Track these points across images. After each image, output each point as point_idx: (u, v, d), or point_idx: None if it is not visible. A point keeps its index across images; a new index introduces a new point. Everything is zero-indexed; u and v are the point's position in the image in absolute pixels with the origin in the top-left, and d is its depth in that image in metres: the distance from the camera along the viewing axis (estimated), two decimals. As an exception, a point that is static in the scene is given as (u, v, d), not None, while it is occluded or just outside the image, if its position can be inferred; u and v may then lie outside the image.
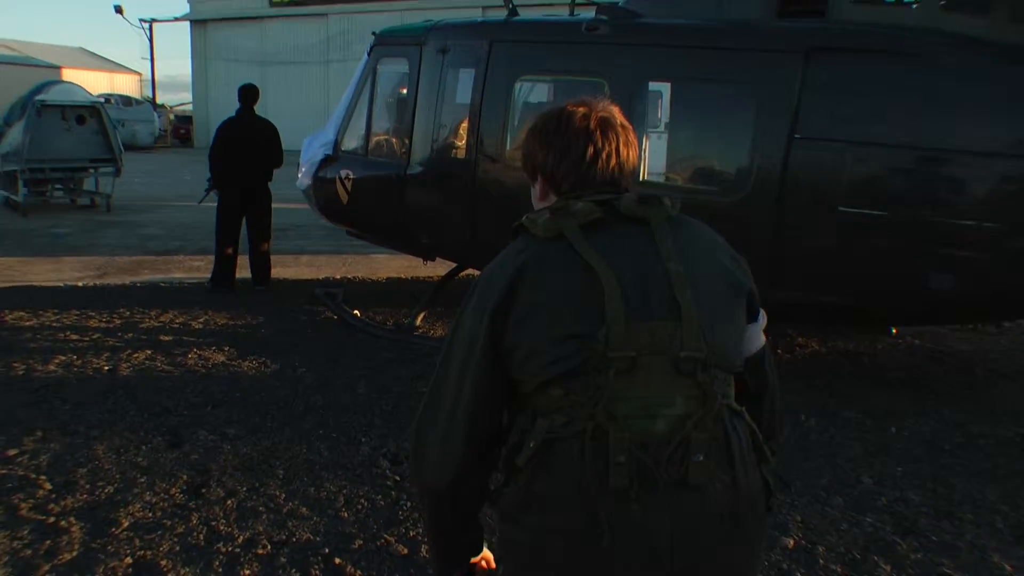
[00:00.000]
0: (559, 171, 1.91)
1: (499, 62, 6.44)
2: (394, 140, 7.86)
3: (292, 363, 6.73)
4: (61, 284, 9.70)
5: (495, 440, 1.84)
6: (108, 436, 5.21)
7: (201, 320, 8.09)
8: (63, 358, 6.87)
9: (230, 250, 9.21)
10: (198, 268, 10.58)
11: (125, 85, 56.66)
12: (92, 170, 16.52)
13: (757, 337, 1.96)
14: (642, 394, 1.67)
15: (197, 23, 40.59)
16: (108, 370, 6.58)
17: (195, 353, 6.99)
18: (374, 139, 7.92)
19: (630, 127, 1.96)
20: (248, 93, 9.11)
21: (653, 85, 6.49)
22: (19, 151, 15.15)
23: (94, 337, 7.52)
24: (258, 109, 9.20)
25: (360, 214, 8.08)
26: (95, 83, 54.25)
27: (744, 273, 1.91)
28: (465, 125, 6.83)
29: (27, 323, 7.99)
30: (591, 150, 1.88)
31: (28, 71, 53.58)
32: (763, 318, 1.97)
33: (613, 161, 1.89)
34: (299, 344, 7.25)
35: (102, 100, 15.99)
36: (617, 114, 1.95)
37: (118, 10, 42.56)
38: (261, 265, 9.42)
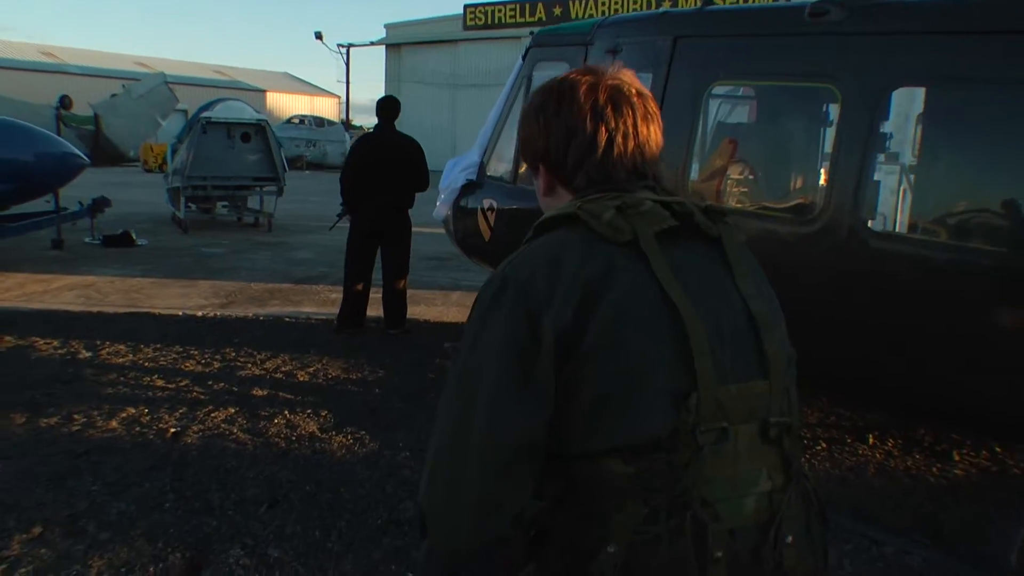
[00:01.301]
0: (567, 160, 1.53)
1: (685, 64, 4.70)
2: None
3: (395, 443, 5.25)
4: (180, 313, 8.70)
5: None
6: (116, 545, 3.87)
7: (311, 369, 6.77)
8: (132, 411, 5.69)
9: (360, 286, 7.89)
10: (334, 301, 9.34)
11: (324, 107, 58.45)
12: (255, 188, 15.89)
13: None
14: (730, 472, 1.36)
15: (392, 47, 41.11)
16: (173, 433, 5.33)
17: (284, 418, 5.64)
18: (523, 164, 6.39)
19: (649, 95, 1.57)
20: (387, 106, 7.78)
21: (906, 92, 4.57)
22: (182, 168, 14.67)
23: (181, 384, 6.33)
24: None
25: (504, 255, 6.50)
26: (296, 105, 56.25)
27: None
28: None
29: (120, 360, 6.95)
30: (604, 131, 1.50)
31: (236, 95, 56.06)
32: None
33: (632, 143, 1.51)
34: (414, 415, 5.77)
35: (266, 119, 15.31)
36: (631, 81, 1.56)
37: (318, 36, 43.44)
38: (395, 304, 8.04)
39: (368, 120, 52.31)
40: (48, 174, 11.91)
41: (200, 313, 8.72)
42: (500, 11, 35.07)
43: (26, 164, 11.45)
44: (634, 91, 1.55)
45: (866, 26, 4.16)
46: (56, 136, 13.09)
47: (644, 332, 1.35)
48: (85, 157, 13.12)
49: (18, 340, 7.56)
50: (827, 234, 4.16)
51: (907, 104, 4.85)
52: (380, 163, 7.55)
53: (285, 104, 60.03)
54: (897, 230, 4.42)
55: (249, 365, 6.86)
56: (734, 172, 4.46)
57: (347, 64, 44.31)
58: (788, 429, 1.43)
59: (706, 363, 1.34)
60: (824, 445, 5.38)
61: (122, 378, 6.49)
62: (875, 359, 4.09)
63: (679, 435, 1.32)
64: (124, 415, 5.65)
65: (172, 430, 5.40)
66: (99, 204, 12.97)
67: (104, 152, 35.84)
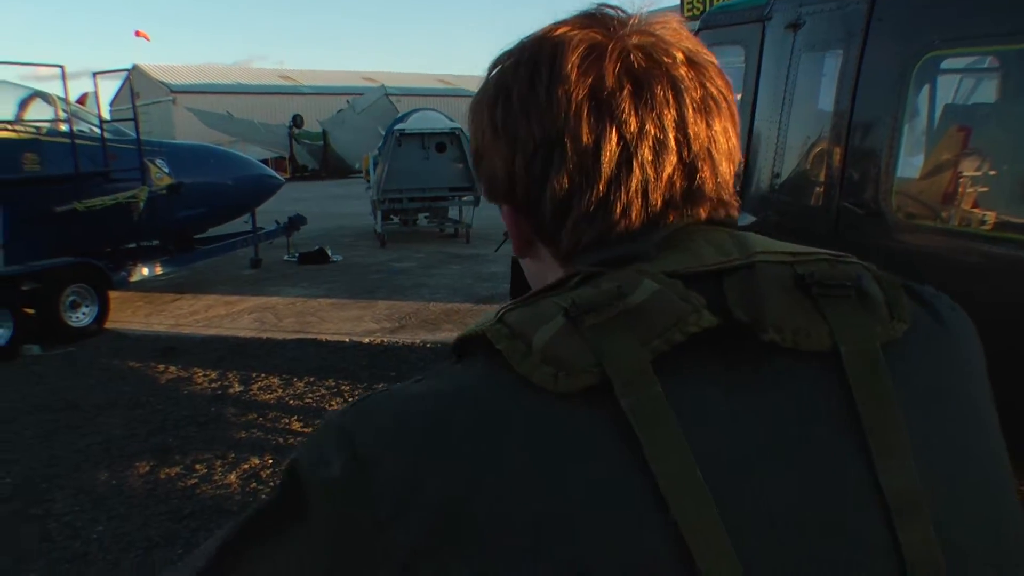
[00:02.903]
0: (543, 196, 0.80)
1: (887, 30, 3.50)
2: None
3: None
4: (347, 340, 8.23)
5: None
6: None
7: (461, 411, 6.01)
8: (255, 463, 5.17)
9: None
10: (510, 324, 8.62)
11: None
12: (452, 199, 15.50)
13: None
14: None
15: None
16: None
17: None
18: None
19: (714, 67, 0.80)
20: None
21: None
22: (378, 181, 14.49)
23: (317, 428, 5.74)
24: None
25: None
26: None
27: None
28: (824, 147, 3.98)
29: (267, 396, 6.52)
30: (616, 139, 0.76)
31: (460, 102, 57.25)
32: None
33: (671, 160, 0.77)
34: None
35: (460, 127, 14.83)
36: (676, 38, 0.79)
37: (533, 39, 43.34)
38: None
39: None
40: (243, 196, 11.98)
41: (367, 340, 8.21)
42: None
43: (221, 188, 11.54)
44: (680, 58, 0.79)
45: None
46: (250, 158, 13.23)
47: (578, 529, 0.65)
48: (278, 178, 13.15)
49: (180, 371, 7.35)
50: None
51: None
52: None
53: (506, 112, 60.57)
54: None
55: (395, 405, 6.20)
56: (966, 170, 3.27)
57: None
58: None
59: (716, 560, 0.63)
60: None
61: (261, 419, 6.01)
62: None
63: None
64: (246, 467, 5.13)
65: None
66: (294, 223, 12.96)
67: (331, 165, 37.68)
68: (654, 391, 0.66)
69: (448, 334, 8.38)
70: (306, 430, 5.74)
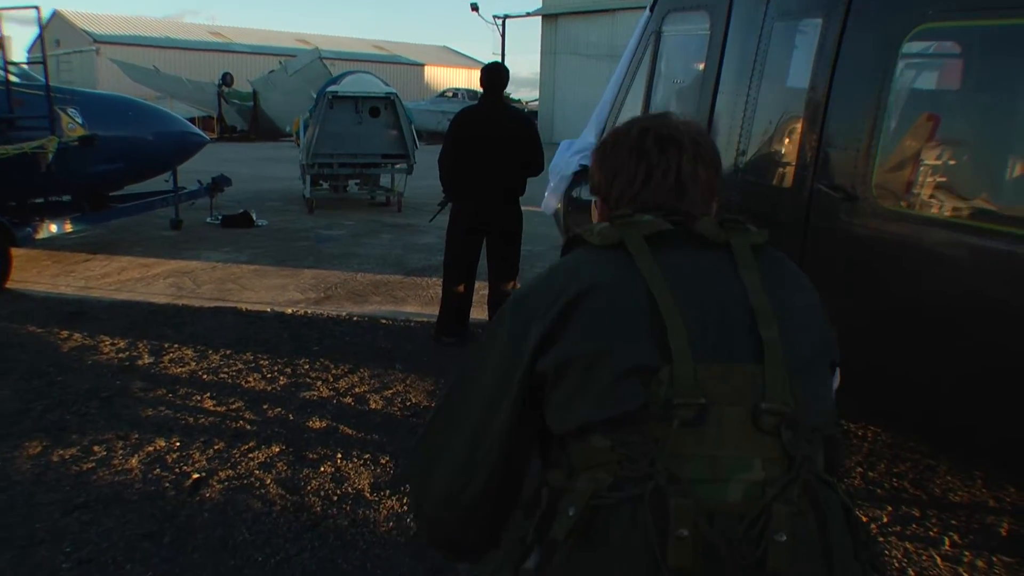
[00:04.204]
0: (612, 192, 1.66)
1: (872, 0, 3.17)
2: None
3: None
4: (268, 310, 7.74)
5: (516, 492, 1.58)
6: None
7: (389, 393, 5.62)
8: (161, 444, 4.73)
9: (462, 287, 6.69)
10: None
11: (481, 82, 57.77)
12: (384, 166, 14.97)
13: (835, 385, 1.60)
14: (712, 453, 1.35)
15: (548, 18, 39.79)
16: (194, 481, 4.30)
17: (333, 465, 4.53)
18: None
19: (707, 142, 1.66)
20: (492, 75, 6.46)
21: None
22: (308, 145, 13.89)
23: (232, 407, 5.32)
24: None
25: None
26: (454, 79, 56.04)
27: (827, 320, 1.58)
28: (798, 128, 3.67)
29: (180, 369, 6.03)
30: (644, 168, 1.62)
31: (394, 69, 56.35)
32: (838, 377, 1.62)
33: (672, 179, 1.60)
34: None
35: (395, 92, 14.27)
36: (688, 129, 1.66)
37: (474, 8, 42.51)
38: (503, 309, 6.76)
39: (528, 94, 51.32)
40: (164, 153, 11.31)
41: (290, 310, 7.74)
42: (659, -23, 33.16)
43: (140, 143, 10.87)
44: (687, 137, 1.62)
45: None
46: (173, 114, 12.54)
47: (619, 319, 1.42)
48: (202, 135, 12.47)
49: (85, 338, 6.80)
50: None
51: None
52: (483, 143, 6.28)
53: (443, 78, 59.90)
54: None
55: (318, 383, 5.77)
56: (954, 156, 2.99)
57: (503, 36, 43.21)
58: (791, 422, 1.37)
59: (681, 342, 1.37)
60: None
61: (171, 395, 5.53)
62: None
63: (650, 409, 1.36)
64: (150, 449, 4.68)
65: (195, 476, 4.36)
66: (218, 183, 12.32)
67: (261, 127, 36.62)
68: (643, 246, 1.46)
69: (376, 307, 7.98)
70: (219, 409, 5.30)
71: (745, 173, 3.93)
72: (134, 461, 4.53)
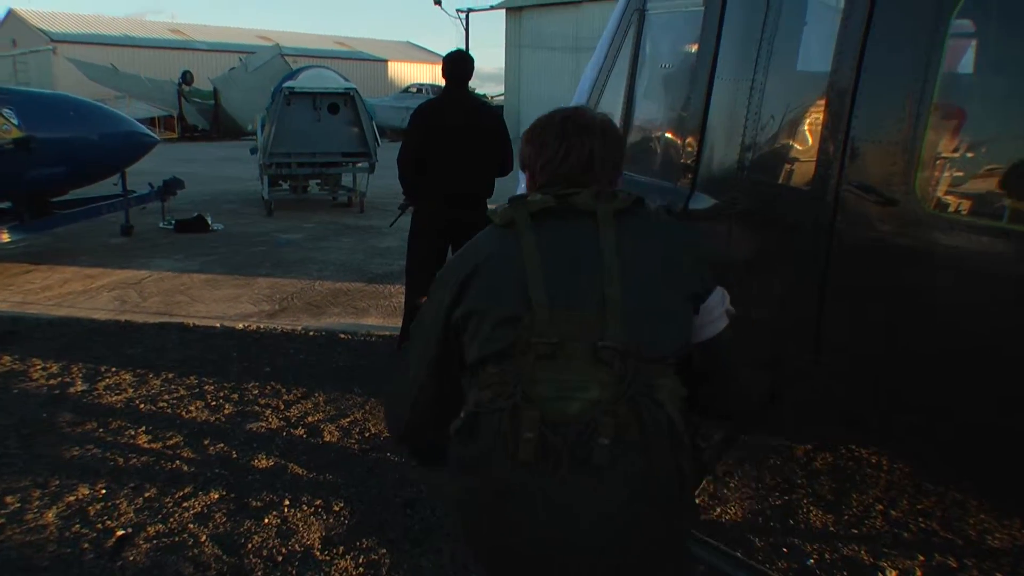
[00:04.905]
0: (536, 165, 2.05)
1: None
2: (669, 143, 4.24)
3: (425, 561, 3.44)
4: (217, 325, 7.11)
5: (445, 407, 1.96)
6: None
7: (345, 422, 5.02)
8: (84, 493, 4.13)
9: (424, 298, 6.08)
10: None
11: (447, 77, 57.05)
12: (345, 164, 14.32)
13: (709, 325, 1.96)
14: (560, 378, 1.75)
15: (512, 11, 39.22)
16: (117, 539, 3.70)
17: (279, 515, 3.94)
18: (634, 141, 4.43)
19: (612, 130, 2.07)
20: (456, 65, 5.87)
21: None
22: (265, 143, 13.22)
23: (169, 443, 4.71)
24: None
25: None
26: (418, 74, 55.25)
27: (695, 267, 1.93)
28: (819, 119, 3.12)
29: (115, 397, 5.41)
30: (564, 147, 1.99)
31: (357, 65, 55.49)
32: (720, 300, 1.97)
33: (583, 158, 1.98)
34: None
35: (355, 87, 13.61)
36: (599, 119, 2.06)
37: (436, 2, 41.80)
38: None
39: (494, 88, 50.56)
40: (110, 154, 10.62)
41: (241, 325, 7.11)
42: (626, -32, 32.62)
43: (84, 144, 10.18)
44: (599, 126, 2.04)
45: None
46: (119, 113, 11.83)
47: (499, 280, 1.88)
48: (152, 135, 11.77)
49: (14, 362, 6.16)
50: None
51: None
52: (446, 138, 5.69)
53: (406, 73, 59.08)
54: None
55: (267, 411, 5.17)
56: (985, 155, 2.45)
57: (466, 29, 42.57)
58: (621, 354, 1.74)
59: (540, 295, 1.79)
60: None
61: (101, 430, 4.91)
62: None
63: (518, 345, 1.78)
64: (71, 499, 4.07)
65: (119, 533, 3.75)
66: (170, 186, 11.65)
67: (223, 126, 35.76)
68: (527, 222, 1.88)
69: (335, 319, 7.38)
70: (154, 445, 4.68)
71: (751, 171, 3.37)
72: (50, 515, 3.92)
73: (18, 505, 4.02)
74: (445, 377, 2.00)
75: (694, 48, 3.88)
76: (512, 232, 1.88)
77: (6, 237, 9.28)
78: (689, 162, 3.77)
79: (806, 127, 3.23)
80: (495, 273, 1.87)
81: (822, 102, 3.11)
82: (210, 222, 12.14)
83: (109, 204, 10.98)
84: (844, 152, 2.84)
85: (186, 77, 38.39)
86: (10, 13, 53.24)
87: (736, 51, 3.53)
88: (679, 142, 3.94)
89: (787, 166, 3.31)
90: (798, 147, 3.27)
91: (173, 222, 12.06)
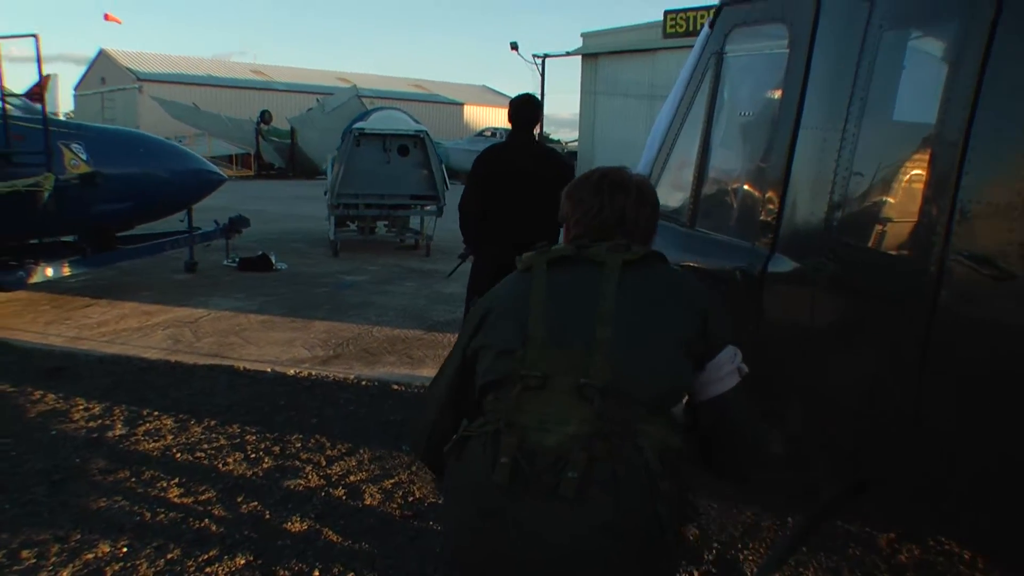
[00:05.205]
0: (572, 219, 2.20)
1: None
2: (747, 198, 3.87)
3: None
4: (268, 370, 6.88)
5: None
6: None
7: (389, 484, 4.69)
8: (103, 551, 3.88)
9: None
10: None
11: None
12: (413, 208, 14.15)
13: (717, 382, 2.00)
14: (543, 409, 1.88)
15: (588, 57, 39.24)
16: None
17: (309, 585, 3.60)
18: (707, 195, 4.08)
19: (647, 191, 2.20)
20: (521, 109, 5.59)
21: None
22: (332, 184, 13.14)
23: (200, 498, 4.44)
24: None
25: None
26: (493, 118, 55.62)
27: (692, 318, 1.98)
28: (922, 176, 2.71)
29: (152, 444, 5.19)
30: (596, 203, 2.15)
31: (433, 108, 56.13)
32: (730, 358, 2.01)
33: (616, 215, 2.13)
34: None
35: (426, 130, 13.48)
36: (635, 180, 2.21)
37: (513, 47, 41.98)
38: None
39: (569, 134, 50.48)
40: (177, 191, 10.63)
41: (292, 371, 6.87)
42: (703, 16, 32.37)
43: (150, 180, 10.19)
44: (633, 185, 2.18)
45: None
46: (187, 150, 11.87)
47: (507, 317, 2.03)
48: (219, 173, 11.78)
49: (58, 400, 6.02)
50: None
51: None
52: (508, 185, 5.41)
53: (482, 117, 59.56)
54: None
55: (308, 468, 4.88)
56: None
57: (542, 75, 42.53)
58: (602, 392, 1.85)
59: (537, 333, 1.94)
60: None
61: (133, 479, 4.67)
62: None
63: (511, 377, 1.93)
64: (89, 557, 3.82)
65: (133, 602, 3.47)
66: (235, 224, 11.63)
67: (299, 165, 36.29)
68: (543, 268, 2.04)
69: (390, 369, 7.09)
70: (185, 500, 4.42)
71: (840, 233, 2.98)
72: (65, 574, 3.65)
73: (33, 561, 3.78)
74: (461, 403, 2.13)
75: (777, 94, 3.52)
76: (528, 276, 2.04)
77: (67, 270, 9.25)
78: (769, 220, 3.39)
79: (906, 185, 2.84)
80: (505, 311, 2.04)
81: (924, 157, 2.73)
82: (274, 261, 12.06)
83: (173, 240, 10.96)
84: (951, 216, 2.45)
85: (264, 116, 39.13)
86: (100, 53, 55.11)
87: (825, 98, 3.16)
88: (758, 197, 3.56)
89: (883, 229, 2.92)
90: (896, 208, 2.88)
91: (237, 260, 12.00)
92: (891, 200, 2.91)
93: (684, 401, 2.03)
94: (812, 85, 3.24)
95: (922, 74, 2.94)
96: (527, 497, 1.81)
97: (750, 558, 4.06)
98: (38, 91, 9.45)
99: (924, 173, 2.67)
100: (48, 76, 9.04)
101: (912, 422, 2.75)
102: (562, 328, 1.93)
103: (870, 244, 2.96)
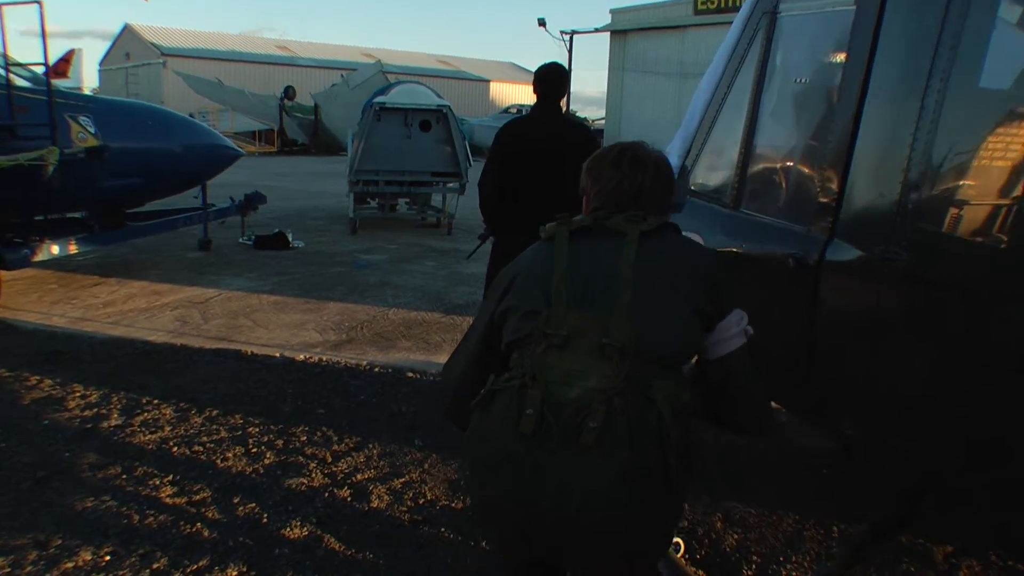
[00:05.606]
0: (591, 192, 2.33)
1: None
2: (802, 177, 3.44)
3: None
4: (277, 355, 6.53)
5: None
6: None
7: (399, 483, 4.34)
8: (87, 558, 3.55)
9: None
10: (485, 345, 6.92)
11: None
12: (435, 184, 13.75)
13: (725, 342, 2.15)
14: (566, 366, 2.00)
15: (617, 34, 38.60)
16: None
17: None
18: (755, 171, 3.65)
19: (665, 167, 2.35)
20: (545, 80, 5.16)
21: None
22: (352, 160, 12.75)
23: (195, 498, 4.09)
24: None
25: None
26: (519, 95, 54.99)
27: (702, 284, 2.13)
28: (1013, 154, 2.30)
29: (149, 436, 4.86)
30: (615, 178, 2.28)
31: (458, 84, 55.61)
32: (737, 320, 2.16)
33: (634, 189, 2.27)
34: None
35: (448, 104, 13.02)
36: (653, 155, 2.34)
37: (541, 23, 41.35)
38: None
39: (595, 112, 49.70)
40: (190, 166, 10.28)
41: (302, 356, 6.52)
42: (735, -8, 31.67)
43: (162, 155, 9.84)
44: (651, 161, 2.32)
45: None
46: (202, 124, 11.53)
47: (531, 282, 2.16)
48: (236, 148, 11.42)
49: (54, 387, 5.70)
50: None
51: None
52: (535, 159, 4.99)
53: (508, 94, 59.02)
54: None
55: (312, 464, 4.52)
56: None
57: (569, 52, 41.84)
58: (621, 351, 1.97)
59: (560, 296, 2.08)
60: None
61: (124, 476, 4.34)
62: None
63: (535, 335, 2.06)
64: (68, 567, 3.49)
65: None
66: (251, 201, 11.30)
67: (322, 141, 35.95)
68: (564, 237, 2.18)
69: (405, 355, 6.72)
70: (177, 500, 4.08)
71: (918, 219, 2.55)
72: (49, 583, 3.33)
73: (7, 570, 3.45)
74: (485, 365, 2.22)
75: (840, 57, 3.08)
76: (550, 245, 2.18)
77: (74, 248, 8.93)
78: (828, 201, 2.96)
79: (997, 164, 2.41)
80: (530, 276, 2.18)
81: (1020, 132, 2.30)
82: (291, 239, 11.72)
83: (186, 217, 10.63)
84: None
85: (288, 92, 38.79)
86: (125, 28, 54.93)
87: (899, 62, 2.73)
88: (816, 176, 3.13)
89: (969, 215, 2.49)
90: (986, 191, 2.46)
91: (253, 237, 11.68)
92: (983, 181, 2.48)
93: (693, 360, 2.19)
94: (883, 47, 2.80)
95: (1018, 35, 2.50)
96: (550, 445, 1.94)
97: (794, 573, 3.68)
98: (63, 67, 9.15)
99: (1020, 151, 2.24)
100: (73, 51, 8.72)
101: (1001, 431, 2.34)
102: (584, 292, 2.07)
103: (954, 233, 2.53)
